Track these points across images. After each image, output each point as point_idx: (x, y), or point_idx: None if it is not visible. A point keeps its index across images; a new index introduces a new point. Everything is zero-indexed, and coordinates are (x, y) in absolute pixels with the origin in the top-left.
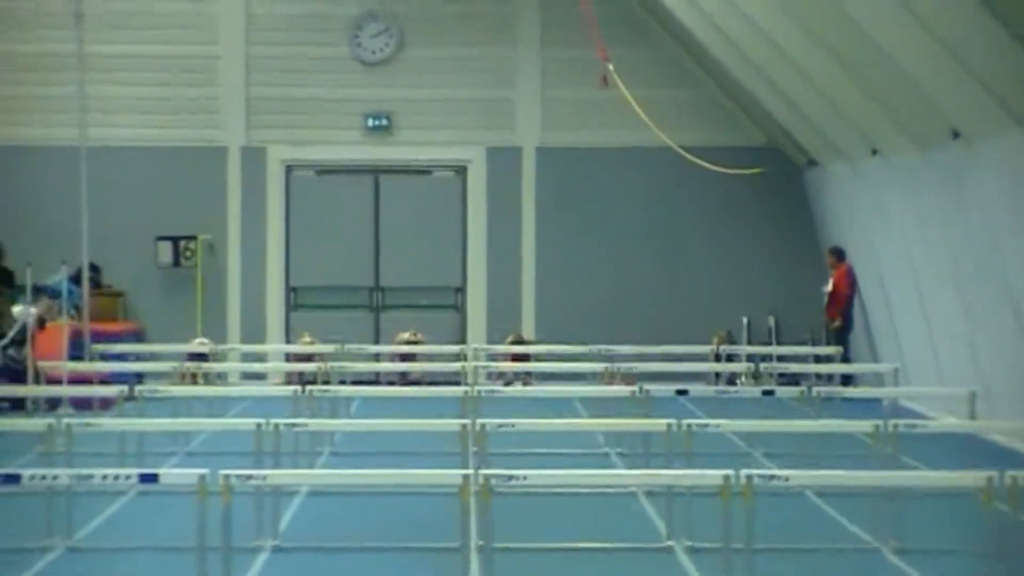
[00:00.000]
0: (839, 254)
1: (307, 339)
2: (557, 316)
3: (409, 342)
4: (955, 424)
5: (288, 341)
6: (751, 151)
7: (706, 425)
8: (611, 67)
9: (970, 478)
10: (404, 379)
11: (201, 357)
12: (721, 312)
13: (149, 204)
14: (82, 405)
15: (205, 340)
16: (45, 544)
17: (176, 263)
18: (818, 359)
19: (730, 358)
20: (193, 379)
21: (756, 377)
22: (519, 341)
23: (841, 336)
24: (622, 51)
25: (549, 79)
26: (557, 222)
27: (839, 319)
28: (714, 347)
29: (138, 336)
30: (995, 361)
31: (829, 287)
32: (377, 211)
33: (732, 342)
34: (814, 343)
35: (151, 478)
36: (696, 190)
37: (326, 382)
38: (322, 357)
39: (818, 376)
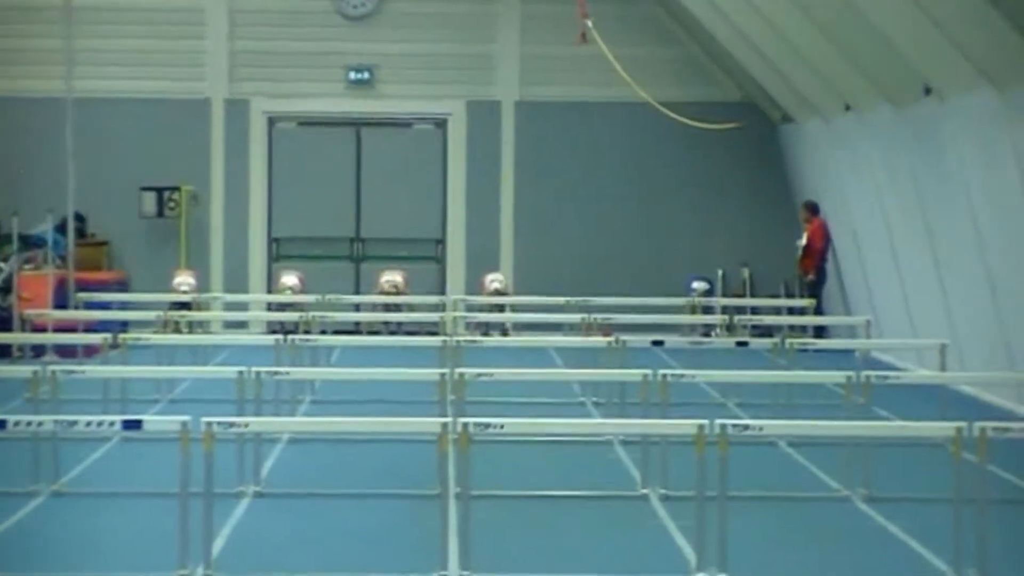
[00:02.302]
0: (813, 208)
1: (288, 290)
2: (535, 268)
3: (392, 285)
4: (926, 376)
5: (270, 291)
6: (727, 107)
7: (681, 376)
8: (590, 23)
9: (940, 428)
10: (388, 328)
11: (184, 306)
12: (696, 265)
13: (134, 155)
14: (67, 353)
15: (190, 279)
16: (30, 489)
17: (160, 213)
18: (791, 311)
19: (706, 310)
20: (176, 328)
21: (730, 329)
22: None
23: (815, 289)
24: (601, 8)
25: (528, 34)
26: (536, 175)
27: (813, 272)
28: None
29: (122, 285)
30: (965, 314)
31: (803, 241)
32: (358, 163)
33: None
34: (788, 295)
35: (135, 425)
36: (673, 145)
37: (307, 331)
38: (303, 306)
39: (791, 328)
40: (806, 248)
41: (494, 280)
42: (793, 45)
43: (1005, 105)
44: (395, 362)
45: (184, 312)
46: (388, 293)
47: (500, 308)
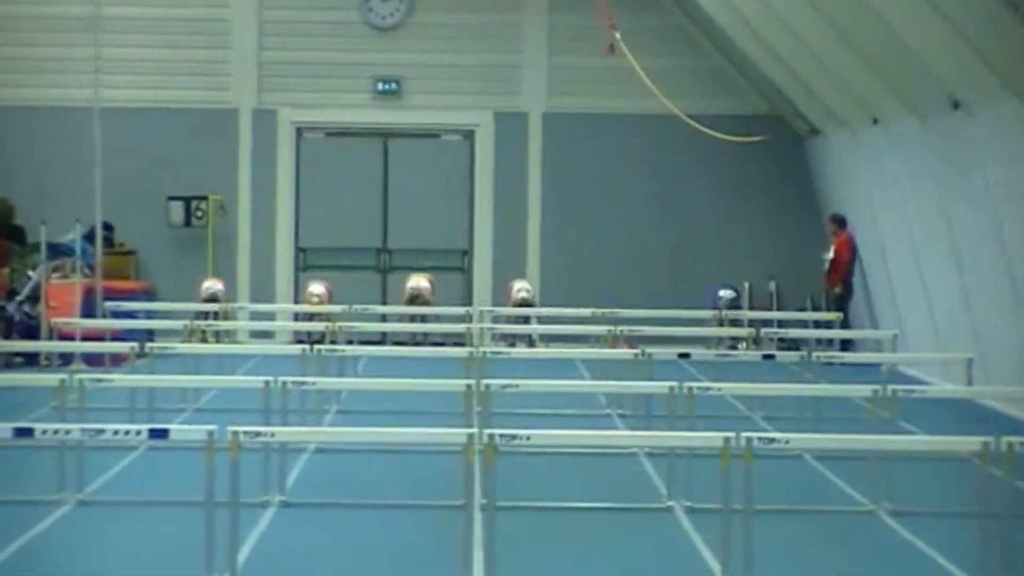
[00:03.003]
0: (840, 222)
1: (315, 298)
2: (562, 279)
3: (416, 290)
4: (952, 390)
5: (296, 301)
6: (755, 119)
7: (707, 388)
8: (618, 35)
9: (966, 443)
10: (414, 339)
11: (211, 314)
12: (723, 277)
13: (161, 164)
14: (94, 361)
15: (219, 284)
16: (56, 498)
17: (187, 223)
18: (818, 324)
19: (733, 323)
20: (203, 337)
21: (757, 342)
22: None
23: (841, 303)
24: (628, 20)
25: (556, 45)
26: (562, 187)
27: (839, 286)
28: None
29: (149, 294)
30: (992, 328)
31: (830, 254)
32: (386, 174)
33: (736, 306)
34: (815, 309)
35: (161, 434)
36: (700, 157)
37: (333, 341)
38: (329, 316)
39: (818, 341)
40: (833, 261)
41: (521, 289)
42: (820, 58)
43: None
44: (421, 372)
45: (210, 321)
46: (413, 298)
47: (526, 319)
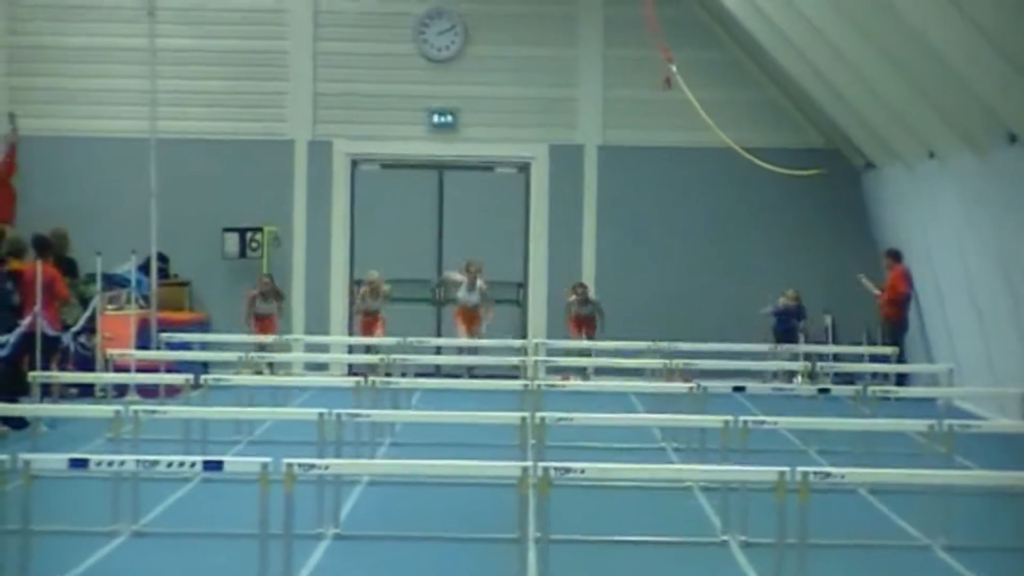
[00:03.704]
0: (895, 256)
1: (373, 276)
2: (617, 312)
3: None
4: (1008, 425)
5: (351, 333)
6: (810, 153)
7: (762, 422)
8: (674, 68)
9: (1022, 478)
10: (469, 372)
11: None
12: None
13: (216, 196)
14: (149, 393)
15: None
16: (111, 529)
17: (242, 254)
18: (874, 359)
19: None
20: (257, 369)
21: (812, 376)
22: (581, 286)
23: (896, 336)
24: (684, 53)
25: (611, 79)
26: (618, 219)
27: (894, 319)
28: (788, 301)
29: (204, 325)
30: None
31: (875, 290)
32: (440, 206)
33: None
34: (870, 343)
35: (215, 466)
36: (755, 191)
37: (388, 374)
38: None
39: (873, 375)
40: (889, 296)
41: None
42: (877, 92)
43: None
44: (475, 405)
45: (265, 354)
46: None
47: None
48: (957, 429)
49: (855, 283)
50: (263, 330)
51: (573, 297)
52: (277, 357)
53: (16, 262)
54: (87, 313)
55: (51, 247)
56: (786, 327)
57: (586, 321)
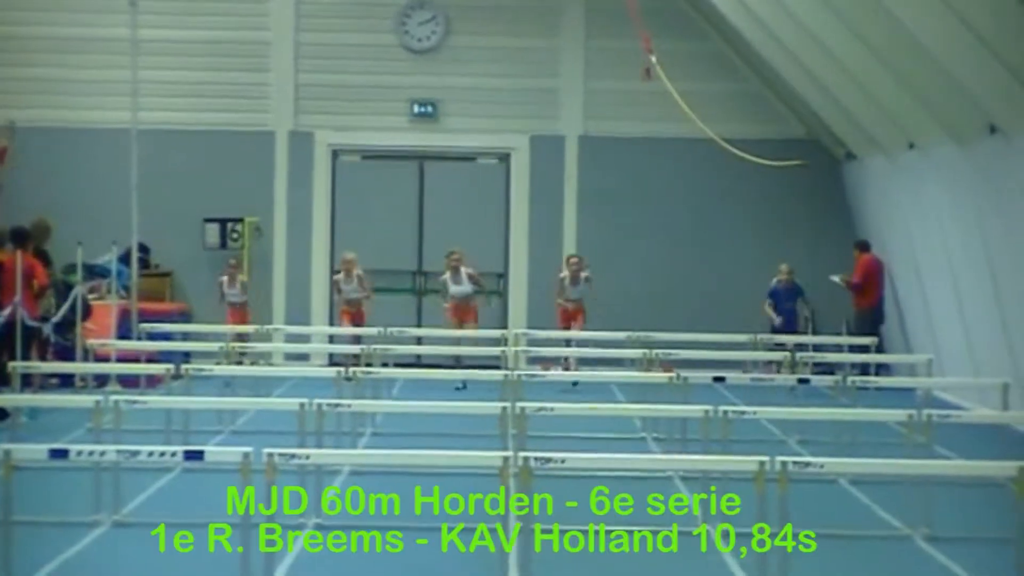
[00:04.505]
0: (861, 246)
1: (350, 255)
2: (597, 303)
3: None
4: (988, 415)
5: (332, 323)
6: (791, 144)
7: (742, 412)
8: (654, 59)
9: (1002, 468)
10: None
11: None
12: (759, 301)
13: (198, 186)
14: (130, 383)
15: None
16: (92, 519)
17: (223, 245)
18: (853, 349)
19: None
20: (238, 359)
21: (792, 366)
22: (576, 259)
23: (873, 327)
24: (665, 44)
25: (592, 70)
26: (598, 210)
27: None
28: (781, 277)
29: (185, 316)
30: None
31: (837, 279)
32: (421, 197)
33: (792, 272)
34: (850, 333)
35: (196, 455)
36: (736, 181)
37: (369, 364)
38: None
39: (853, 366)
40: (855, 285)
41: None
42: (858, 82)
43: None
44: (456, 395)
45: (246, 344)
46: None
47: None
48: (937, 419)
49: (834, 280)
50: (235, 320)
51: (564, 273)
52: (258, 347)
53: None
54: (67, 304)
55: (30, 238)
56: (784, 309)
57: (573, 315)
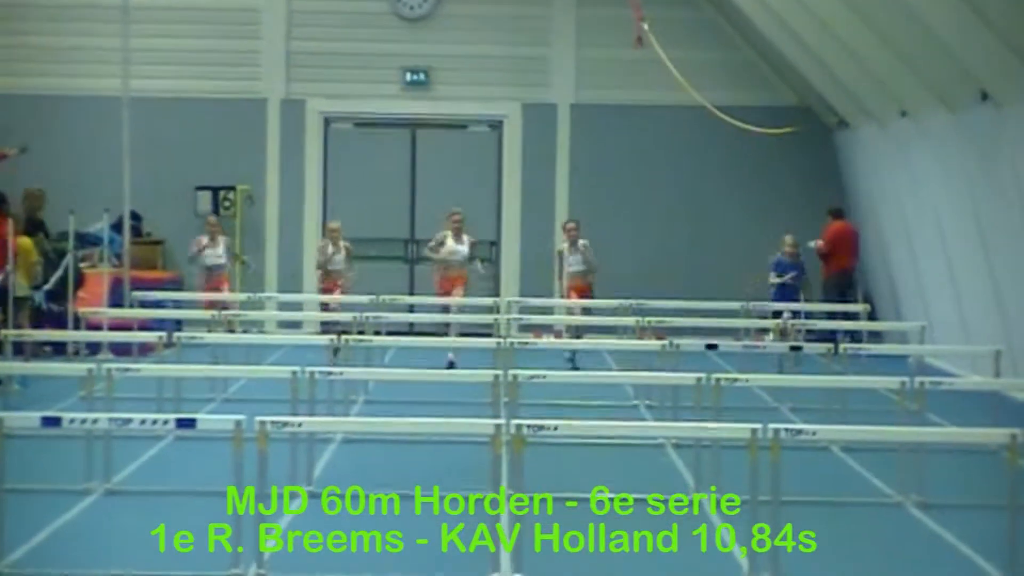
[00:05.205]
0: (835, 213)
1: (335, 224)
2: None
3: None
4: (980, 382)
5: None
6: (783, 111)
7: (735, 379)
8: (646, 27)
9: (994, 435)
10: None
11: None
12: (751, 268)
13: (190, 154)
14: (122, 351)
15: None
16: (84, 487)
17: (215, 212)
18: (845, 316)
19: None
20: (230, 327)
21: (784, 333)
22: (572, 224)
23: (840, 292)
24: (657, 11)
25: (584, 37)
26: (590, 178)
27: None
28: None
29: (177, 284)
30: (1020, 320)
31: (812, 244)
32: (413, 164)
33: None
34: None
35: (188, 423)
36: (728, 149)
37: (361, 332)
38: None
39: (845, 333)
40: (821, 250)
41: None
42: (849, 50)
43: None
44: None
45: (238, 312)
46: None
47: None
48: (929, 386)
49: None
50: (215, 285)
51: (563, 245)
52: (250, 315)
53: None
54: (58, 272)
55: (6, 203)
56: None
57: (581, 290)
